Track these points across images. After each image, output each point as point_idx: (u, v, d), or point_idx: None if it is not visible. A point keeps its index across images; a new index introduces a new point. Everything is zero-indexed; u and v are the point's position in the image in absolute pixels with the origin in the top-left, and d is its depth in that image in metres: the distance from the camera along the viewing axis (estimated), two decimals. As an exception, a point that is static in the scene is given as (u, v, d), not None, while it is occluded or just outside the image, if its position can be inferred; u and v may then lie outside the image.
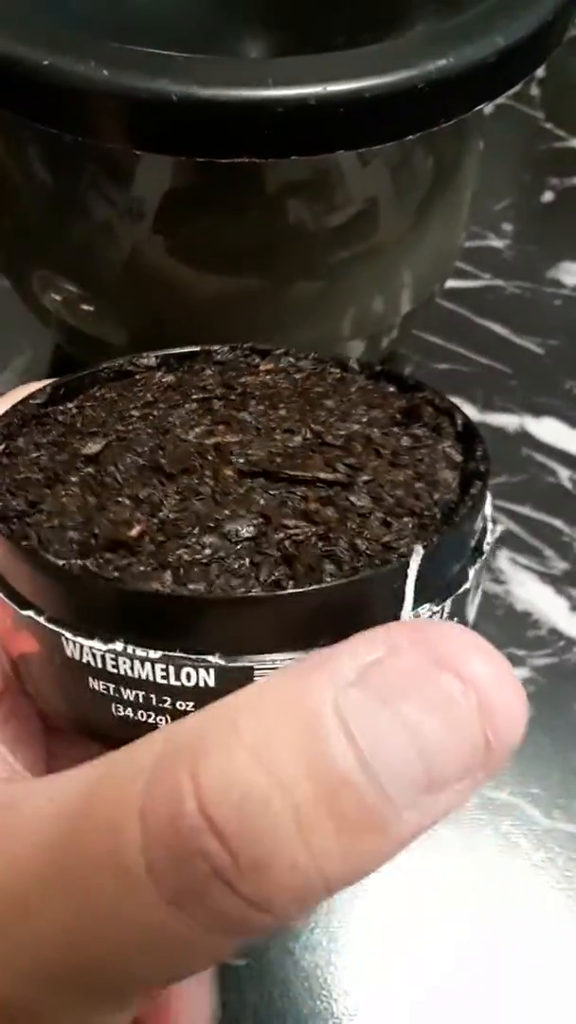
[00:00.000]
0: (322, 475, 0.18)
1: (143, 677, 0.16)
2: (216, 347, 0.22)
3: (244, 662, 0.15)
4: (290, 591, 0.15)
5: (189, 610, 0.15)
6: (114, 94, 0.22)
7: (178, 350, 0.22)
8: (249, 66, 0.23)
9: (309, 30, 0.34)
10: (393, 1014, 0.30)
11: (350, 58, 0.23)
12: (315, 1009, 0.30)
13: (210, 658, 0.15)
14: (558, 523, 0.40)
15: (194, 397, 0.21)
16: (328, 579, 0.16)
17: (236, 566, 0.16)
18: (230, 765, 0.12)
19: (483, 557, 0.18)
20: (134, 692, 0.16)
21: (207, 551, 0.16)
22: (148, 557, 0.16)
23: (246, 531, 0.17)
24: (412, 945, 0.31)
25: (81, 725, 0.18)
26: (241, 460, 0.18)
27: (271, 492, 0.17)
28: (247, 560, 0.16)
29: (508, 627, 0.38)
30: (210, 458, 0.18)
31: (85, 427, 0.20)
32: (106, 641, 0.16)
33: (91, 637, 0.16)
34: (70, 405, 0.21)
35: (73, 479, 0.18)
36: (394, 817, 0.12)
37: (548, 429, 0.43)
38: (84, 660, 0.16)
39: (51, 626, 0.16)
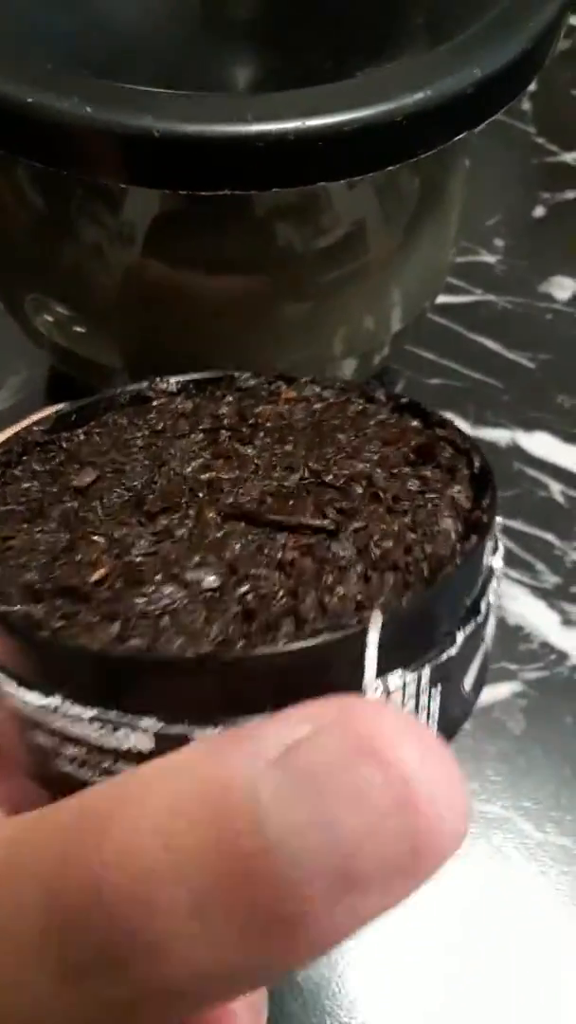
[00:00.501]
0: (309, 521, 0.17)
1: (81, 735, 0.15)
2: (240, 373, 0.22)
3: (181, 729, 0.14)
4: (233, 655, 0.14)
5: (124, 669, 0.14)
6: (97, 130, 0.22)
7: (201, 375, 0.22)
8: (230, 102, 0.23)
9: (296, 54, 0.34)
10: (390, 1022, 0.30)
11: (329, 92, 0.23)
12: (321, 1019, 0.31)
13: (145, 721, 0.14)
14: (550, 537, 0.41)
15: (202, 427, 0.20)
16: (282, 641, 0.14)
17: (188, 620, 0.15)
18: (132, 841, 0.11)
19: (479, 617, 0.16)
20: (74, 749, 0.15)
21: (163, 602, 0.15)
22: (100, 605, 0.15)
23: (209, 580, 0.15)
24: (405, 958, 0.31)
25: (33, 775, 0.17)
26: (229, 500, 0.18)
27: (250, 537, 0.16)
28: (202, 614, 0.15)
29: (500, 641, 0.38)
30: (199, 496, 0.18)
31: (84, 456, 0.20)
32: (45, 694, 0.15)
33: (31, 689, 0.15)
34: (79, 431, 0.21)
35: (55, 513, 0.18)
36: (310, 912, 0.11)
37: (540, 443, 0.43)
38: (26, 712, 0.15)
39: None
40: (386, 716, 0.12)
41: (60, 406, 0.21)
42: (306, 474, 0.18)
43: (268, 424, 0.20)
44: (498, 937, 0.32)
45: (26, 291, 0.35)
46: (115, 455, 0.20)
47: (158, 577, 0.16)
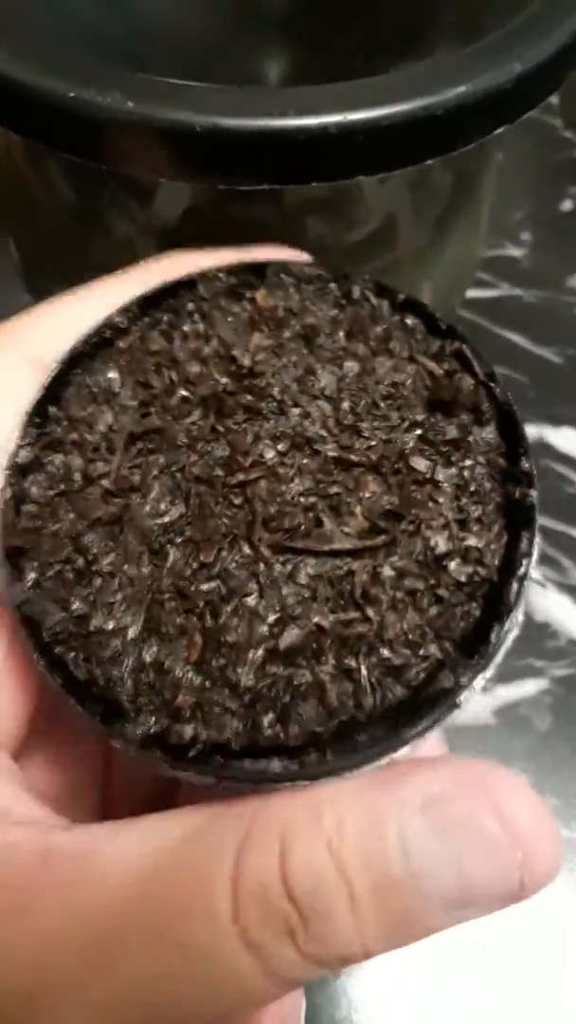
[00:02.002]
0: (365, 544, 0.18)
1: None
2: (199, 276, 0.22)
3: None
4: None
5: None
6: (138, 125, 0.22)
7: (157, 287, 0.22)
8: (270, 96, 0.23)
9: (327, 48, 0.34)
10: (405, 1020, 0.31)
11: (369, 86, 0.23)
12: (335, 1017, 0.31)
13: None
14: (576, 533, 0.40)
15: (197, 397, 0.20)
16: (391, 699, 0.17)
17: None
18: (311, 853, 0.15)
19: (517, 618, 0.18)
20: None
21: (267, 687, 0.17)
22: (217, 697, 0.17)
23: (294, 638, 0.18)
24: (425, 958, 0.32)
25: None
26: (275, 523, 0.18)
27: (313, 571, 0.18)
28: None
29: (527, 638, 0.38)
30: (240, 522, 0.19)
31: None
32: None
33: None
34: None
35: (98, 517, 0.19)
36: (427, 921, 0.16)
37: (567, 439, 0.43)
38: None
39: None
40: (511, 787, 0.16)
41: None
42: (334, 451, 0.19)
43: (261, 360, 0.20)
44: (523, 936, 0.32)
45: (56, 284, 0.35)
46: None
47: (256, 655, 0.17)
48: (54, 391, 0.20)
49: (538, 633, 0.38)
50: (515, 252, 0.49)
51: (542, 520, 0.19)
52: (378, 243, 0.33)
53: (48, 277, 0.36)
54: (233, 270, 0.21)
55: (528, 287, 0.48)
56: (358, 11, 0.32)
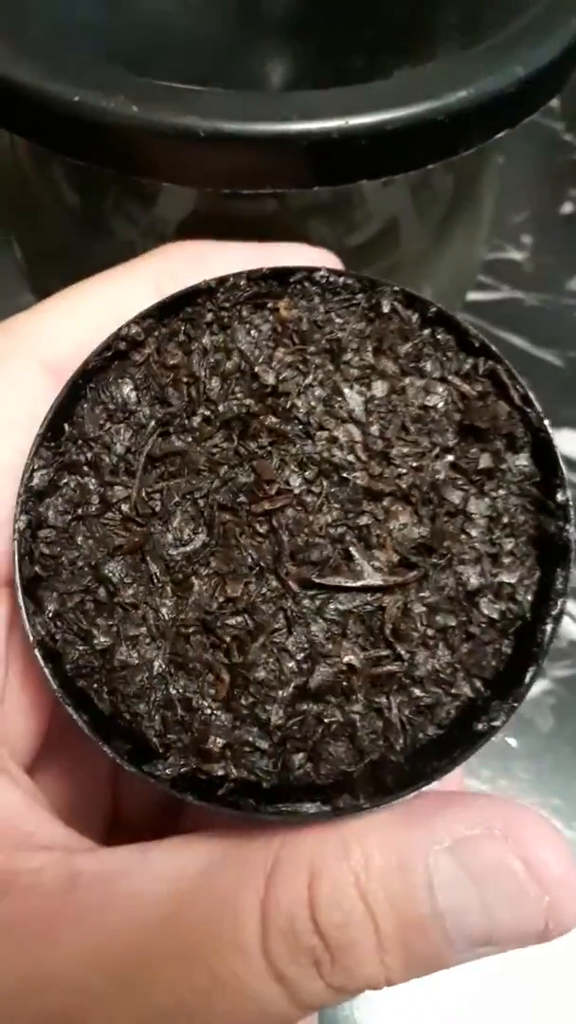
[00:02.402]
0: (399, 580, 0.18)
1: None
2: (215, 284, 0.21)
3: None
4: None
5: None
6: (143, 129, 0.22)
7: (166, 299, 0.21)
8: (273, 100, 0.23)
9: (329, 51, 0.34)
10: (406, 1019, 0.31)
11: (371, 91, 0.23)
12: (336, 1016, 0.31)
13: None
14: (578, 535, 0.40)
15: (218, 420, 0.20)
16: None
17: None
18: (339, 888, 0.16)
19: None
20: None
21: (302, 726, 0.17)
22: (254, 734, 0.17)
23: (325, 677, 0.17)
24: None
25: None
26: (302, 555, 0.18)
27: (342, 607, 0.18)
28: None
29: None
30: (266, 556, 0.18)
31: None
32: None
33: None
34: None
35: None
36: (449, 957, 0.16)
37: (568, 441, 0.43)
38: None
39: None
40: (540, 833, 0.16)
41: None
42: (363, 479, 0.18)
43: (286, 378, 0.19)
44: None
45: (60, 286, 0.35)
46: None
47: (285, 693, 0.17)
48: (68, 408, 0.19)
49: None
50: (516, 255, 0.49)
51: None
52: (380, 246, 0.33)
53: (52, 279, 0.36)
54: (254, 277, 0.20)
55: (529, 290, 0.48)
56: (361, 13, 0.32)
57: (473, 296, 0.46)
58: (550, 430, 0.19)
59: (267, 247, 0.22)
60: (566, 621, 0.39)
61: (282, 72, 0.34)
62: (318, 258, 0.23)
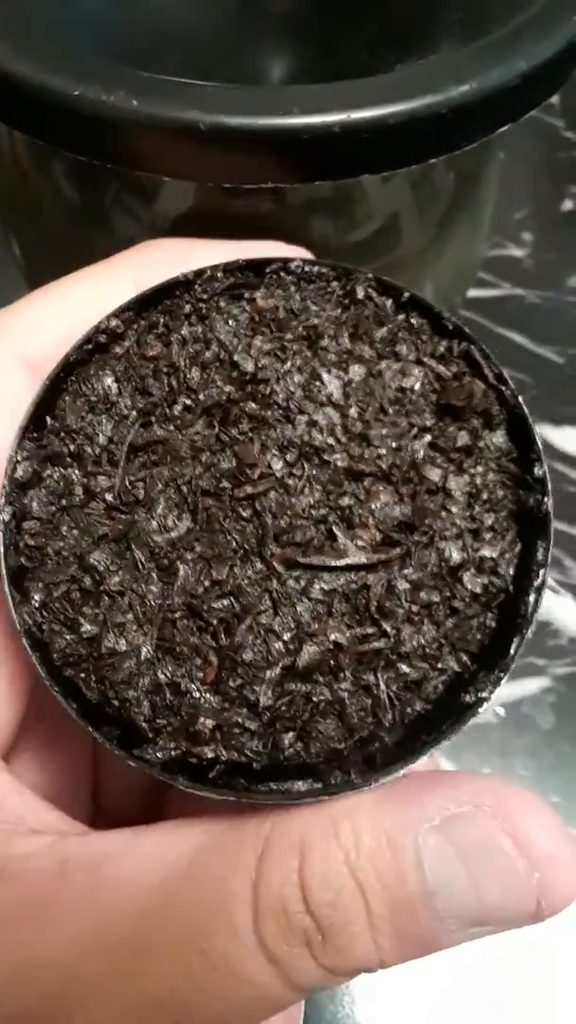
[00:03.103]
0: (381, 557, 0.18)
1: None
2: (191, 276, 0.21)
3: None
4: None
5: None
6: (143, 123, 0.22)
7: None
8: (275, 94, 0.23)
9: (331, 46, 0.34)
10: (407, 1017, 0.31)
11: (373, 85, 0.23)
12: (336, 1014, 0.31)
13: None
14: (578, 532, 0.40)
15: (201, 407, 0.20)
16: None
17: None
18: (329, 867, 0.16)
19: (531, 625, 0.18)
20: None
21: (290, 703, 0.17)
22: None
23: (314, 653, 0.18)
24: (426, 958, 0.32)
25: None
26: (287, 535, 0.18)
27: (326, 586, 0.18)
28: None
29: (529, 637, 0.38)
30: (249, 536, 0.18)
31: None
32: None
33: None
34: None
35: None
36: (442, 937, 0.16)
37: (568, 438, 0.43)
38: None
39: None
40: (531, 810, 0.16)
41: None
42: (344, 461, 0.19)
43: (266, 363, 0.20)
44: (523, 938, 0.32)
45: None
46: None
47: (273, 673, 0.17)
48: (50, 401, 0.19)
49: (540, 632, 0.38)
50: (516, 252, 0.49)
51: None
52: (381, 242, 0.33)
53: (50, 275, 0.36)
54: (230, 268, 0.20)
55: (529, 287, 0.48)
56: (362, 9, 0.32)
57: (473, 293, 0.46)
58: (524, 406, 0.19)
59: (247, 244, 0.22)
60: (566, 617, 0.39)
61: (283, 68, 0.34)
62: (294, 254, 0.23)
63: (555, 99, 0.54)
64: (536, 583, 0.18)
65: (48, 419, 0.19)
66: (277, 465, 0.19)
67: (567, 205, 0.51)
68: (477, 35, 0.25)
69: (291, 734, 0.17)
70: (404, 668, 0.17)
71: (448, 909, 0.15)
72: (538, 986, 0.31)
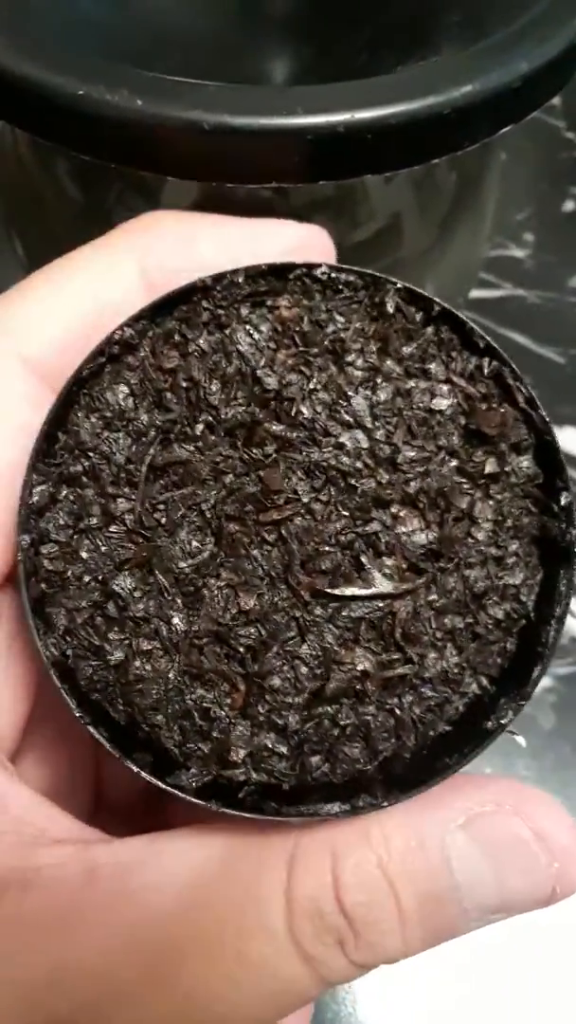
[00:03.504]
0: (405, 587, 0.18)
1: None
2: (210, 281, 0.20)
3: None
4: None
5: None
6: (147, 123, 0.22)
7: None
8: (278, 94, 0.23)
9: (331, 47, 0.34)
10: (409, 1017, 0.31)
11: (377, 85, 0.23)
12: (339, 1014, 0.31)
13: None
14: (580, 532, 0.40)
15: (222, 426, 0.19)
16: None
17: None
18: (362, 869, 0.16)
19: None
20: None
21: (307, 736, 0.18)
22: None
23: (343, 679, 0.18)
24: (428, 954, 0.32)
25: None
26: (313, 564, 0.18)
27: (353, 613, 0.18)
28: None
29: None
30: (277, 565, 0.18)
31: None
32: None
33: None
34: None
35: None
36: (464, 926, 0.17)
37: (570, 438, 0.43)
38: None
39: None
40: (547, 807, 0.17)
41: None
42: (371, 487, 0.18)
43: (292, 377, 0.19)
44: (524, 934, 0.32)
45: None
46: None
47: (300, 699, 0.18)
48: (62, 417, 0.19)
49: (541, 632, 0.38)
50: (518, 253, 0.49)
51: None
52: (383, 242, 0.33)
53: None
54: (252, 274, 0.19)
55: (531, 287, 0.48)
56: (364, 10, 0.32)
57: (475, 294, 0.46)
58: (555, 432, 0.19)
59: (255, 224, 0.21)
60: (568, 619, 0.39)
61: (284, 68, 0.34)
62: (307, 237, 0.22)
63: (556, 100, 0.55)
64: (557, 613, 0.18)
65: (61, 435, 0.18)
66: (303, 489, 0.18)
67: (568, 206, 0.51)
68: (477, 37, 0.26)
69: (318, 757, 0.17)
70: (427, 692, 0.18)
71: (472, 900, 0.17)
72: (538, 987, 0.31)
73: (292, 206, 0.30)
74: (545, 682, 0.37)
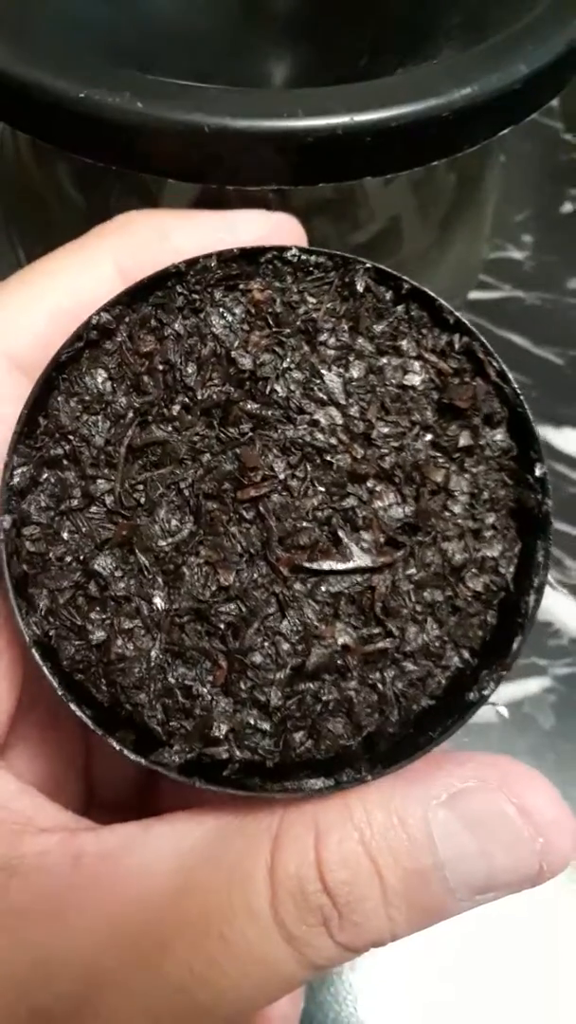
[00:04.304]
0: (385, 560, 0.18)
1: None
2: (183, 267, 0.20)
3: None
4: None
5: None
6: (148, 125, 0.22)
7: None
8: (278, 97, 0.23)
9: (332, 48, 0.34)
10: (411, 1017, 0.31)
11: (376, 88, 0.23)
12: (340, 1013, 0.31)
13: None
14: (579, 533, 0.41)
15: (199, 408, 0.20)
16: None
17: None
18: (344, 847, 0.16)
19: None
20: None
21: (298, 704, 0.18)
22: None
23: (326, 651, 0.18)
24: (429, 953, 0.32)
25: None
26: (291, 540, 0.18)
27: (332, 589, 0.18)
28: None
29: (529, 636, 0.38)
30: (255, 541, 0.18)
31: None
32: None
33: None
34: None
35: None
36: (452, 905, 0.17)
37: (569, 439, 0.43)
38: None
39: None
40: (531, 781, 0.17)
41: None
42: (346, 462, 0.19)
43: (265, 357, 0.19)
44: (524, 937, 0.32)
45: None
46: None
47: (282, 675, 0.18)
48: (42, 401, 0.19)
49: (541, 632, 0.38)
50: (517, 254, 0.49)
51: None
52: (383, 244, 0.33)
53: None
54: (224, 258, 0.20)
55: (530, 289, 0.48)
56: (364, 12, 0.32)
57: (474, 295, 0.47)
58: (526, 405, 0.19)
59: (225, 215, 0.22)
60: (567, 617, 0.39)
61: (285, 70, 0.35)
62: (277, 225, 0.22)
63: (555, 102, 0.55)
64: (536, 583, 0.18)
65: (41, 419, 0.19)
66: (279, 467, 0.19)
67: (567, 207, 0.51)
68: (478, 39, 0.26)
69: (301, 733, 0.17)
70: (409, 666, 0.18)
71: (458, 878, 0.16)
72: (539, 988, 0.32)
73: (292, 208, 0.30)
74: (545, 682, 0.37)
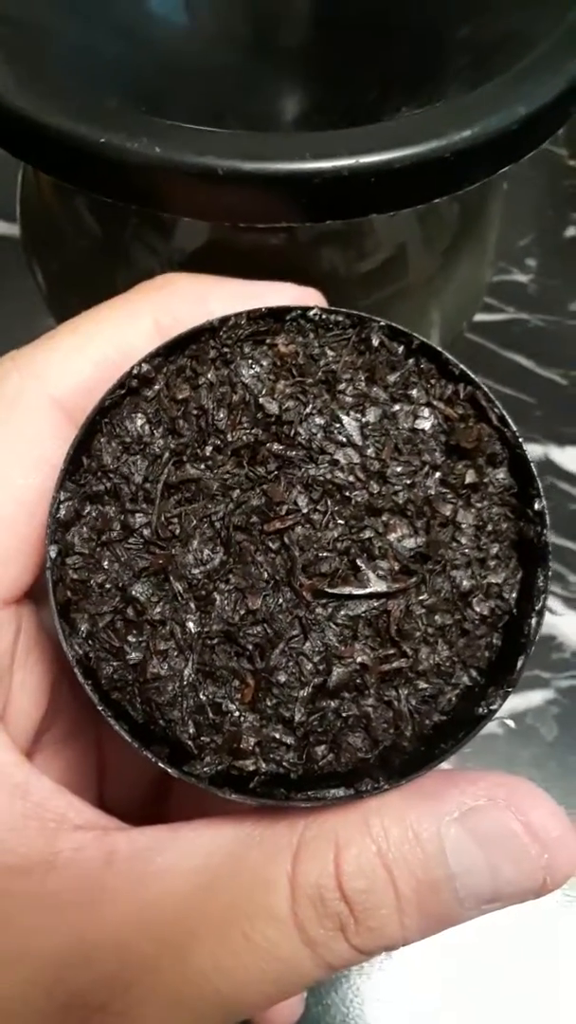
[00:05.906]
0: (397, 586, 0.20)
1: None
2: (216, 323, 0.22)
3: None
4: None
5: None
6: (165, 168, 0.23)
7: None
8: (287, 140, 0.24)
9: (343, 83, 0.35)
10: (414, 1021, 0.31)
11: (380, 131, 0.24)
12: (347, 1015, 0.32)
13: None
14: (581, 549, 0.42)
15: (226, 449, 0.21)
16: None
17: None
18: (362, 858, 0.18)
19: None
20: None
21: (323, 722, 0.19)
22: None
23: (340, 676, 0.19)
24: (433, 958, 0.32)
25: None
26: (313, 567, 0.20)
27: (349, 614, 0.19)
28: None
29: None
30: (280, 572, 0.20)
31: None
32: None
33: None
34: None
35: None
36: (460, 914, 0.18)
37: (572, 457, 0.44)
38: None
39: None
40: (537, 800, 0.18)
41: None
42: (363, 498, 0.20)
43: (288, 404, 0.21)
44: (525, 939, 0.33)
45: (79, 311, 0.36)
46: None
47: (305, 692, 0.19)
48: (86, 443, 0.21)
49: (543, 645, 0.39)
50: (521, 277, 0.50)
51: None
52: (389, 272, 0.34)
53: (71, 303, 0.37)
54: (253, 316, 0.22)
55: (534, 311, 0.49)
56: (376, 48, 0.33)
57: (479, 317, 0.48)
58: (524, 447, 0.21)
59: (259, 285, 0.24)
60: (569, 631, 0.40)
61: (295, 105, 0.36)
62: (303, 296, 0.24)
63: (559, 131, 0.56)
64: (537, 607, 0.19)
65: (85, 460, 0.20)
66: (303, 502, 0.20)
67: (570, 232, 0.52)
68: (486, 76, 0.27)
69: (323, 746, 0.19)
70: (422, 684, 0.19)
71: (467, 889, 0.18)
72: (539, 988, 0.32)
73: (300, 241, 0.31)
74: (547, 694, 0.38)
